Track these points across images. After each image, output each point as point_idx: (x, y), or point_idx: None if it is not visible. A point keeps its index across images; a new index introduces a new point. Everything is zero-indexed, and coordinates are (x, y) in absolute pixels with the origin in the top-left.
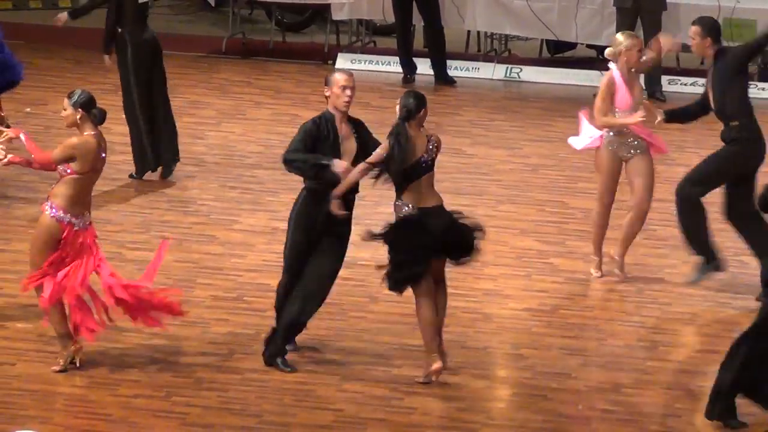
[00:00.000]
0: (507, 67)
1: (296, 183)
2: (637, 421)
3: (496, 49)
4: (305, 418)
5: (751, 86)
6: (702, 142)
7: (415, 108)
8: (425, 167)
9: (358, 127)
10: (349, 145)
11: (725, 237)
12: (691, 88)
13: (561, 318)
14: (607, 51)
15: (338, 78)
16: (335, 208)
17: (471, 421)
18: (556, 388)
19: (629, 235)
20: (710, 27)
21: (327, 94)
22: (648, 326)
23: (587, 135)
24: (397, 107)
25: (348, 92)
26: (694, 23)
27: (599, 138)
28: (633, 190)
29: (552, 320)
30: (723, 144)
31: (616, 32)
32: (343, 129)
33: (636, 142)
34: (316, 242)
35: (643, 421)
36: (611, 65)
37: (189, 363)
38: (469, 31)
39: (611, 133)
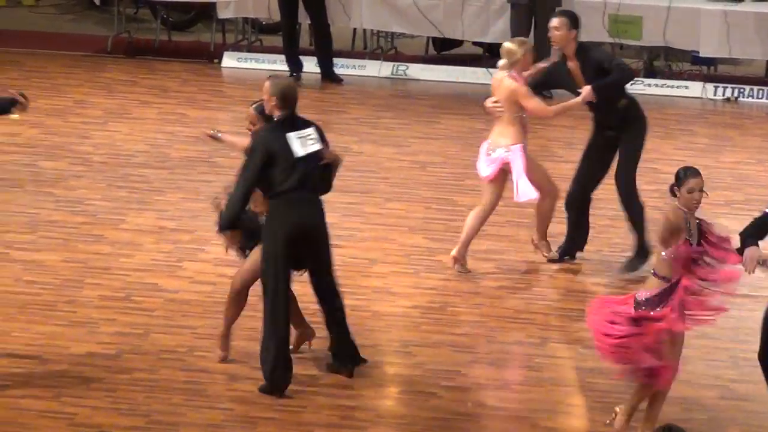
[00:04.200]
0: (393, 65)
1: (183, 182)
2: (528, 418)
3: (383, 46)
4: (195, 417)
5: (637, 83)
6: None
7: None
8: None
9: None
10: None
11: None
12: None
13: (450, 315)
14: (503, 64)
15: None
16: None
17: (360, 419)
18: (445, 385)
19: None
20: (576, 20)
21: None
22: (537, 323)
23: (490, 160)
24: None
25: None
26: (558, 15)
27: (514, 150)
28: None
29: (441, 317)
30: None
31: (511, 28)
32: None
33: None
34: None
35: (534, 417)
36: (508, 73)
37: (77, 363)
38: (355, 29)
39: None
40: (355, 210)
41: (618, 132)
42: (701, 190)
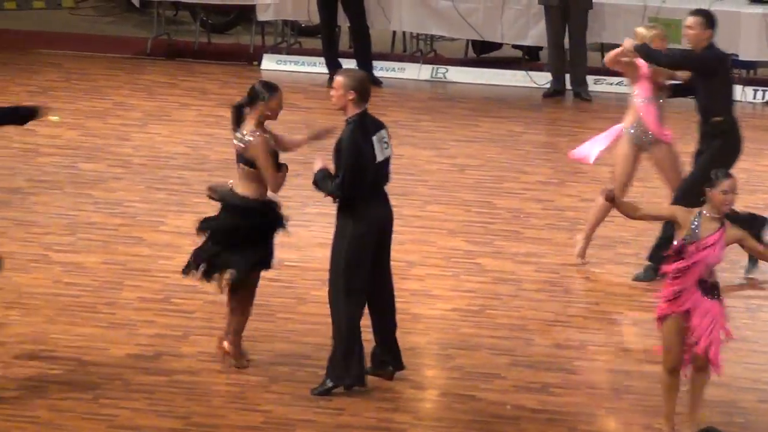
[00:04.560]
0: (433, 68)
1: None
2: (566, 421)
3: (422, 49)
4: (234, 419)
5: None
6: None
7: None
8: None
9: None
10: None
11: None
12: (617, 87)
13: (489, 318)
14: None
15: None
16: None
17: (399, 421)
18: (484, 388)
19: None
20: (712, 20)
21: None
22: (576, 326)
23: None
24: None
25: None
26: (694, 14)
27: (613, 129)
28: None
29: (480, 320)
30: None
31: (547, 31)
32: None
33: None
34: None
35: (572, 420)
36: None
37: (116, 365)
38: (394, 32)
39: (631, 128)
40: (395, 213)
41: (705, 145)
42: (734, 192)
